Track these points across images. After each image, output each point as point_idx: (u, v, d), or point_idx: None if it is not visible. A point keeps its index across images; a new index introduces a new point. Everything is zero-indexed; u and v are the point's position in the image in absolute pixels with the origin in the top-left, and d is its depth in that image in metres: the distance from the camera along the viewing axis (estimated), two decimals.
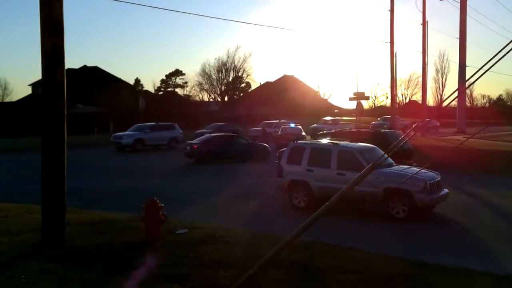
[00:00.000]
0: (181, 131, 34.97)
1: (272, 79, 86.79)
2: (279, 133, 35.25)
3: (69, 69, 51.21)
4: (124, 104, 54.88)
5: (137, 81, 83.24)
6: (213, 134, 27.71)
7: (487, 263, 7.61)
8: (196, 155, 24.75)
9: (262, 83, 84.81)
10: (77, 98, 51.05)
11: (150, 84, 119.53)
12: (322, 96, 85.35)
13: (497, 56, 3.79)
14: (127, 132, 33.21)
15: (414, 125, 40.49)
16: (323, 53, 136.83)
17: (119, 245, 7.62)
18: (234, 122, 47.34)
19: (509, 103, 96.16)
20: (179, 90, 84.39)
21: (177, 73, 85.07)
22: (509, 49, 3.79)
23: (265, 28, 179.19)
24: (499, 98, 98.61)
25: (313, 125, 44.24)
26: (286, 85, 78.72)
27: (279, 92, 73.82)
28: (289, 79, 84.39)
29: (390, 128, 33.14)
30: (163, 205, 8.16)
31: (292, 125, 37.26)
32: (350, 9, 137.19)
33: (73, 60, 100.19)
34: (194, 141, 26.22)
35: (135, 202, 9.42)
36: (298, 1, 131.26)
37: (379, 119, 53.97)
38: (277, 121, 41.93)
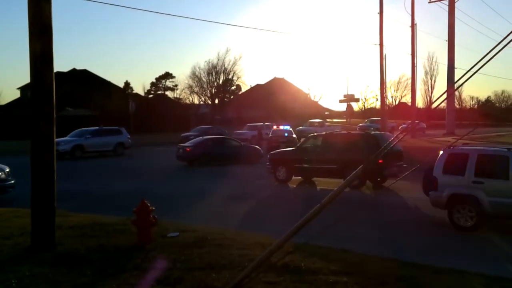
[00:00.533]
0: (129, 136, 32.83)
1: (262, 81, 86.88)
2: (270, 135, 35.28)
3: (58, 72, 50.85)
4: (114, 107, 54.67)
5: (127, 84, 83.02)
6: (205, 137, 27.69)
7: (478, 264, 7.65)
8: (189, 158, 24.73)
9: (252, 86, 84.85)
10: (66, 101, 50.81)
11: (140, 87, 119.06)
12: (312, 98, 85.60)
13: (485, 58, 3.83)
14: (65, 138, 30.20)
15: (400, 127, 40.80)
16: (313, 55, 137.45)
17: (110, 249, 7.58)
18: (225, 124, 47.30)
19: (497, 104, 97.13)
20: (169, 93, 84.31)
21: (167, 76, 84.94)
22: (497, 51, 3.83)
23: (255, 30, 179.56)
24: (488, 100, 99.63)
25: (299, 127, 44.22)
26: (277, 87, 78.80)
27: (270, 95, 73.86)
28: (279, 82, 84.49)
29: (378, 129, 33.34)
30: (154, 208, 8.13)
31: (287, 127, 37.30)
32: (340, 11, 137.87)
33: (62, 63, 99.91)
34: (186, 144, 26.20)
35: (126, 205, 9.39)
36: (289, 4, 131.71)
37: (366, 120, 54.17)
38: (261, 124, 41.84)
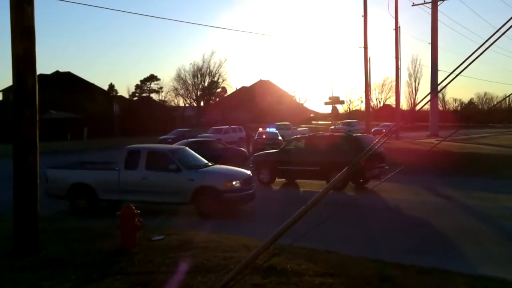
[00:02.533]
0: None
1: (248, 84, 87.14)
2: (256, 137, 35.27)
3: (41, 75, 50.44)
4: (98, 110, 54.25)
5: (111, 86, 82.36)
6: (190, 139, 27.53)
7: (461, 264, 7.74)
8: None
9: (238, 88, 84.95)
10: (49, 104, 50.27)
11: (124, 89, 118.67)
12: (298, 100, 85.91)
13: (467, 60, 3.87)
14: None
15: (373, 130, 40.95)
16: (298, 58, 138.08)
17: (95, 253, 7.51)
18: (210, 127, 47.02)
19: (480, 106, 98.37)
20: (154, 96, 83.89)
21: (152, 78, 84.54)
22: (479, 53, 3.88)
23: (240, 33, 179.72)
24: (471, 102, 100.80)
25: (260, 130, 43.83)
26: (262, 89, 78.95)
27: (255, 97, 73.97)
28: (265, 84, 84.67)
29: (350, 132, 33.40)
30: (138, 211, 8.08)
31: (272, 129, 37.31)
32: (324, 14, 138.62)
33: (45, 65, 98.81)
34: None
35: (110, 209, 9.31)
36: (274, 7, 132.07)
37: (339, 123, 53.46)
38: (227, 127, 41.61)
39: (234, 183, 12.07)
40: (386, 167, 16.86)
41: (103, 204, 12.78)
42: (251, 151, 29.44)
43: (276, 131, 36.72)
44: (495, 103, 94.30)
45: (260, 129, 37.27)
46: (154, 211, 12.22)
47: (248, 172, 13.02)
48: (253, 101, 72.73)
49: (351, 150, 15.66)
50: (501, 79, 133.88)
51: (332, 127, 48.47)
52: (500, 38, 3.71)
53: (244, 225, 11.07)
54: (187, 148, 14.08)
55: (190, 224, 10.56)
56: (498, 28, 3.66)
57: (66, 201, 12.94)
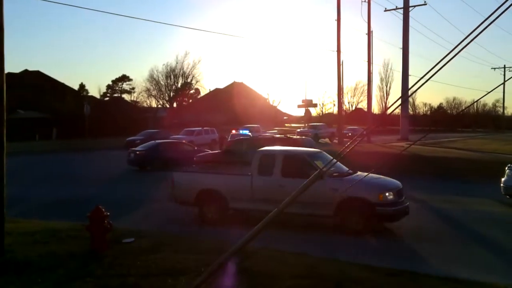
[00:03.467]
0: None
1: (221, 85, 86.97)
2: (228, 139, 35.24)
3: (9, 73, 49.30)
4: (68, 110, 53.35)
5: (82, 86, 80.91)
6: (158, 141, 27.23)
7: (429, 265, 7.88)
8: (140, 162, 24.31)
9: (211, 90, 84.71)
10: (17, 104, 49.23)
11: (95, 89, 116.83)
12: (271, 103, 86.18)
13: (437, 65, 3.94)
14: None
15: (349, 134, 41.31)
16: (272, 61, 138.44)
17: (63, 255, 7.36)
18: (179, 128, 46.61)
19: (449, 111, 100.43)
20: (126, 96, 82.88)
21: (124, 78, 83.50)
22: (448, 59, 3.95)
23: (215, 34, 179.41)
24: (440, 106, 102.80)
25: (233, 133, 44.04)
26: (236, 91, 79.01)
27: (229, 99, 73.98)
28: (238, 86, 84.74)
29: (317, 135, 33.66)
30: (108, 213, 7.96)
31: (246, 131, 37.40)
32: (298, 18, 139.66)
33: (13, 64, 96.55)
34: (138, 148, 25.69)
35: (80, 210, 9.15)
36: (248, 9, 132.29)
37: (305, 125, 53.74)
38: (200, 128, 41.72)
39: (387, 194, 10.38)
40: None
41: (231, 212, 11.71)
42: None
43: (249, 133, 36.78)
44: (463, 108, 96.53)
45: (233, 131, 37.29)
46: (124, 213, 12.05)
47: (399, 182, 11.15)
48: (227, 103, 72.71)
49: None
50: (469, 85, 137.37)
51: (299, 130, 48.79)
52: (469, 44, 3.79)
53: (215, 228, 11.02)
54: (324, 152, 12.50)
55: (161, 226, 10.46)
56: (467, 35, 3.73)
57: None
